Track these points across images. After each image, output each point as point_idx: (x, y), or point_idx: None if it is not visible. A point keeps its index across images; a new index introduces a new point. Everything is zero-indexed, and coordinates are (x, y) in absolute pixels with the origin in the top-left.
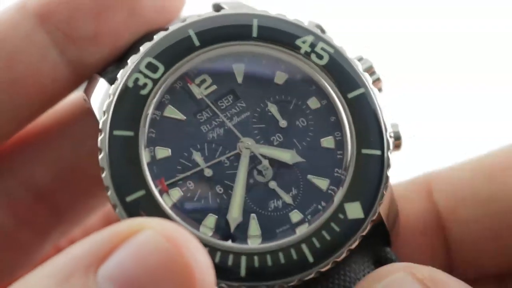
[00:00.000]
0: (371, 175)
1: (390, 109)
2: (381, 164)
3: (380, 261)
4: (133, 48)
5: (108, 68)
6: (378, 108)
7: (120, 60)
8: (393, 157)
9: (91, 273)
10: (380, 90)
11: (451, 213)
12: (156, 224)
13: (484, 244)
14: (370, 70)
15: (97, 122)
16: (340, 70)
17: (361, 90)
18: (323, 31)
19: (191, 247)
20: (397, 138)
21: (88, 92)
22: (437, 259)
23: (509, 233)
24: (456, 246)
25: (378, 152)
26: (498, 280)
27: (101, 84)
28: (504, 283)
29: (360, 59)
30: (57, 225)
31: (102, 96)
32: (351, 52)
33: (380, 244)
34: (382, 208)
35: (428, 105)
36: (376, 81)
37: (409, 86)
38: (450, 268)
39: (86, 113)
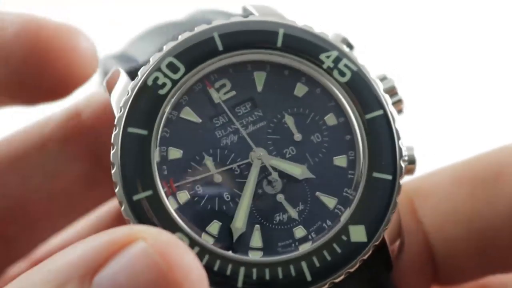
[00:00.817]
0: (379, 199)
1: (407, 132)
2: (391, 189)
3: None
4: None
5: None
6: (394, 132)
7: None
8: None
9: (86, 283)
10: (400, 111)
11: (437, 232)
12: (152, 235)
13: (467, 261)
14: (392, 91)
15: (113, 114)
16: (360, 89)
17: (379, 112)
18: (350, 45)
19: (184, 263)
20: (411, 162)
21: (109, 84)
22: (426, 277)
23: (491, 250)
24: (442, 262)
25: (389, 177)
26: None
27: (123, 77)
28: None
29: (383, 79)
30: (5, 258)
31: (121, 90)
32: (375, 69)
33: (381, 269)
34: (387, 233)
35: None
36: (397, 102)
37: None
38: (436, 282)
39: (34, 147)
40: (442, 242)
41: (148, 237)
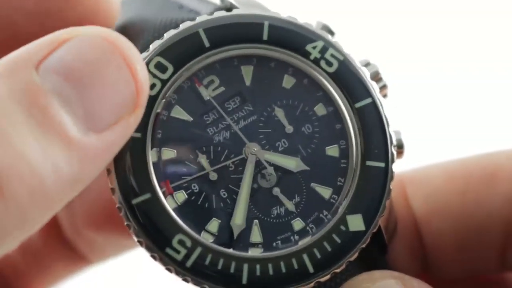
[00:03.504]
0: (374, 187)
1: (393, 116)
2: (385, 177)
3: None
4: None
5: None
6: (384, 119)
7: None
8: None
9: (33, 68)
10: (385, 96)
11: (426, 223)
12: (94, 29)
13: (454, 255)
14: (377, 76)
15: None
16: (348, 79)
17: (368, 100)
18: (331, 32)
19: (126, 44)
20: (400, 146)
21: None
22: (416, 262)
23: (475, 248)
24: (430, 252)
25: (382, 165)
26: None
27: None
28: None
29: (367, 64)
30: None
31: None
32: (358, 54)
33: (376, 254)
34: (381, 220)
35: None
36: (382, 88)
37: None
38: (425, 271)
39: None
40: (430, 233)
41: (91, 30)
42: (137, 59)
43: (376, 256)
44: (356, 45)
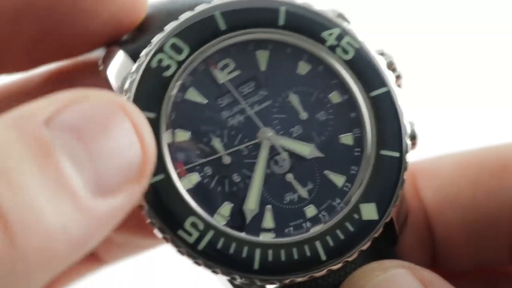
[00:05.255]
0: (388, 177)
1: (407, 107)
2: (399, 166)
3: None
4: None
5: (125, 37)
6: (399, 109)
7: (138, 29)
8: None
9: (43, 123)
10: (399, 86)
11: (437, 215)
12: (105, 93)
13: (464, 247)
14: (391, 66)
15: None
16: (364, 67)
17: (384, 89)
18: (346, 20)
19: (136, 112)
20: (413, 137)
21: (105, 61)
22: (425, 254)
23: (485, 240)
24: (439, 244)
25: (396, 154)
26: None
27: (119, 55)
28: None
29: (382, 54)
30: None
31: (118, 67)
32: (372, 44)
33: (386, 243)
34: (393, 210)
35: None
36: (397, 78)
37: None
38: (435, 263)
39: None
40: (441, 225)
41: (103, 95)
42: (146, 128)
43: (385, 247)
44: (369, 34)
